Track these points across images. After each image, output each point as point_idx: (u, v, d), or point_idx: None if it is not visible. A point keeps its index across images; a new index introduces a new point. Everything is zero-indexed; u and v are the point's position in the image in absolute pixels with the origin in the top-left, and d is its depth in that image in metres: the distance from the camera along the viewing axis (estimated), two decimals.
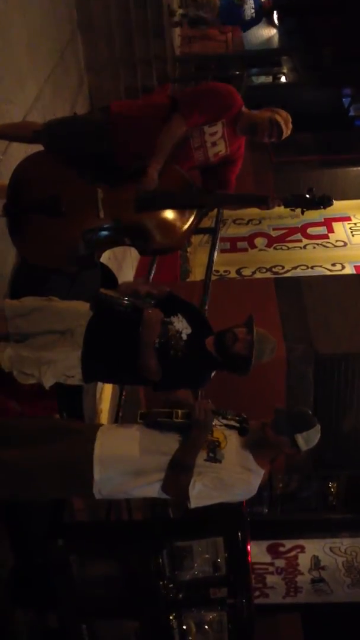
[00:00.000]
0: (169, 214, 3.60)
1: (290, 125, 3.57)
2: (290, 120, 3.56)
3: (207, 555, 3.57)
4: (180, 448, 2.74)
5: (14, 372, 3.06)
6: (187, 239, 3.77)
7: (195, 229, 3.79)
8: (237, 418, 2.77)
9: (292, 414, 2.82)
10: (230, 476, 2.74)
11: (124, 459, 2.78)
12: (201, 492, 2.72)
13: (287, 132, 3.56)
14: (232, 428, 2.80)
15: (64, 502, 3.77)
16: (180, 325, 3.04)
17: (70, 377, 3.08)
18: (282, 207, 3.63)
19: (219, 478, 2.73)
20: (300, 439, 2.73)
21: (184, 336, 3.01)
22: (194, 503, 2.74)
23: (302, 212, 3.66)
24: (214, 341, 3.05)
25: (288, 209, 3.66)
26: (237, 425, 2.77)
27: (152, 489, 2.79)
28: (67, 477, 2.79)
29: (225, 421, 2.80)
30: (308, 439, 2.74)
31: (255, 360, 2.94)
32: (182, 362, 2.94)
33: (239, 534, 3.54)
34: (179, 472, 2.72)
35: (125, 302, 3.00)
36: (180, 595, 3.61)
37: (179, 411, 2.79)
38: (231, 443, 2.82)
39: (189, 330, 3.05)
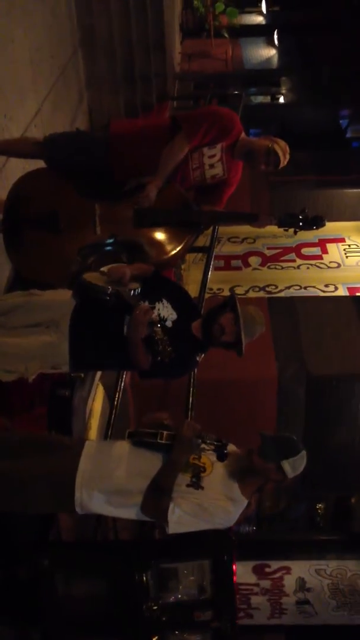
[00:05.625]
0: (166, 231, 3.63)
1: (288, 156, 3.61)
2: (288, 150, 3.60)
3: (192, 578, 3.55)
4: (160, 470, 2.71)
5: None
6: (182, 255, 3.79)
7: (191, 247, 3.81)
8: (215, 443, 2.74)
9: (278, 440, 2.78)
10: (211, 504, 2.70)
11: (107, 478, 2.76)
12: (181, 519, 2.68)
13: (284, 161, 3.60)
14: (215, 449, 2.76)
15: (51, 521, 3.76)
16: (166, 311, 3.02)
17: (57, 369, 3.07)
18: (276, 227, 3.67)
19: (199, 505, 2.69)
20: (287, 465, 2.69)
21: (169, 323, 2.99)
22: (172, 528, 2.70)
23: (295, 232, 3.70)
24: (200, 330, 3.05)
25: (282, 228, 3.69)
26: (216, 450, 2.74)
27: (132, 511, 2.77)
28: (53, 491, 2.77)
29: (204, 445, 2.76)
30: (294, 466, 2.71)
31: (247, 342, 2.95)
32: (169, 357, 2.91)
33: (225, 557, 3.52)
34: (157, 495, 2.68)
35: (109, 290, 2.92)
36: (164, 618, 3.59)
37: (165, 432, 2.76)
38: (217, 470, 2.78)
39: (175, 317, 3.03)
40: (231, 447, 2.90)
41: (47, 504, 2.86)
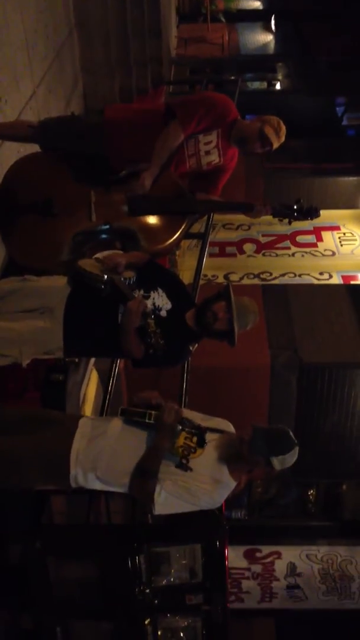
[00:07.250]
0: (160, 219, 3.62)
1: (283, 133, 3.54)
2: (283, 127, 3.54)
3: (184, 561, 3.58)
4: (145, 455, 2.72)
5: None
6: (177, 244, 3.78)
7: (185, 235, 3.80)
8: (193, 431, 2.74)
9: (271, 435, 2.72)
10: (198, 487, 2.69)
11: (100, 457, 2.76)
12: (167, 500, 2.69)
13: (279, 140, 3.55)
14: (195, 435, 2.76)
15: (43, 504, 3.77)
16: (161, 301, 3.02)
17: (50, 354, 3.07)
18: (270, 216, 3.67)
19: (186, 487, 2.68)
20: (275, 461, 2.66)
21: (164, 313, 3.00)
22: (158, 509, 2.71)
23: (289, 223, 3.69)
24: (194, 319, 3.05)
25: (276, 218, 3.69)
26: (196, 437, 2.74)
27: (124, 489, 2.78)
28: (47, 467, 2.78)
29: (184, 431, 2.75)
30: (283, 462, 2.68)
31: (240, 331, 2.95)
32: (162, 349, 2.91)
33: (217, 542, 3.55)
34: (143, 477, 2.69)
35: (104, 279, 2.88)
36: (156, 601, 3.62)
37: (152, 413, 2.75)
38: (207, 452, 2.77)
39: (169, 306, 3.03)
40: (226, 425, 2.92)
41: (42, 480, 2.87)
